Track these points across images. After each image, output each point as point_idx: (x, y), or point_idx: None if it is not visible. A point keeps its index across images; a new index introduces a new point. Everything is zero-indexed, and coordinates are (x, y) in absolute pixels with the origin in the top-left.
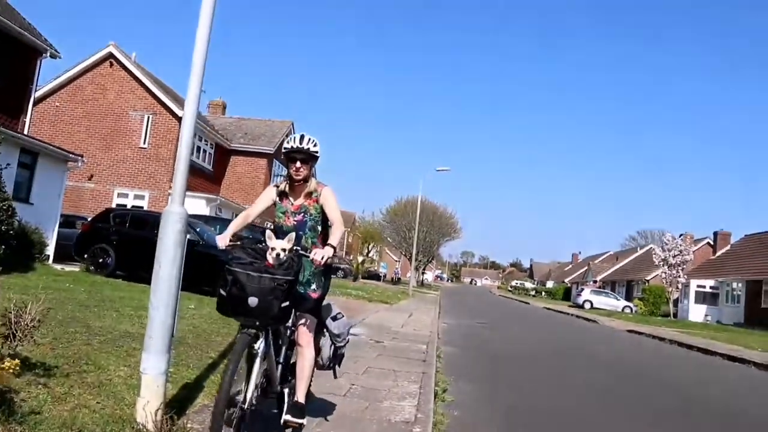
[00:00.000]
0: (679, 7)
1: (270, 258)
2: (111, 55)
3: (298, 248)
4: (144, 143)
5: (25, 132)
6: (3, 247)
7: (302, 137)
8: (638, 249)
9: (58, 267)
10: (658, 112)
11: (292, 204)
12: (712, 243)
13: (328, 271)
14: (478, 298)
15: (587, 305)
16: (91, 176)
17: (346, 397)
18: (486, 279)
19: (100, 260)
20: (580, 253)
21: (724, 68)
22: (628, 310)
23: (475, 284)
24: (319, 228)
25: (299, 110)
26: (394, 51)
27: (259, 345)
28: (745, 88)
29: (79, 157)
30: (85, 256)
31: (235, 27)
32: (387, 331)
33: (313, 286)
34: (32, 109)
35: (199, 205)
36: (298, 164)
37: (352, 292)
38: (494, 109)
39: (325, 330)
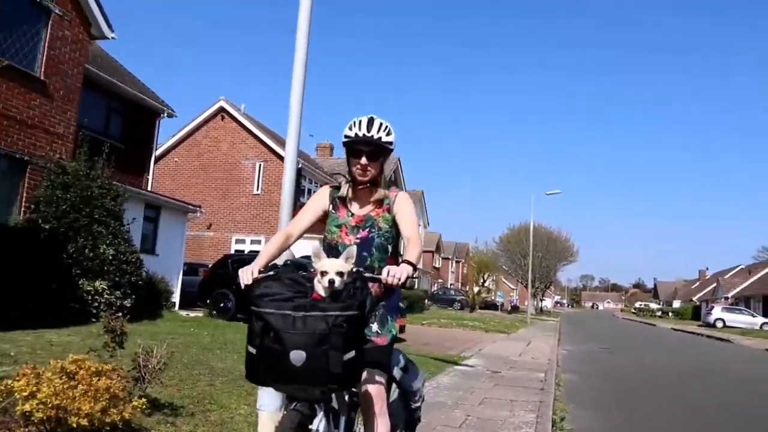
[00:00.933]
0: None
1: (320, 287)
2: (222, 109)
3: (361, 269)
4: (257, 190)
5: (149, 188)
6: (133, 297)
7: (371, 122)
8: None
9: (184, 313)
10: None
11: (353, 215)
12: None
13: (395, 301)
14: (600, 322)
15: (719, 324)
16: (210, 225)
17: (461, 428)
18: (608, 302)
19: (221, 305)
20: (707, 269)
21: None
22: (767, 327)
23: (597, 308)
24: (390, 247)
25: (403, 143)
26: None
27: (317, 426)
28: None
29: (198, 208)
30: (207, 301)
31: (332, 69)
32: (504, 361)
33: (376, 327)
34: (154, 166)
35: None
36: (364, 160)
37: (469, 324)
38: (604, 124)
39: (393, 386)
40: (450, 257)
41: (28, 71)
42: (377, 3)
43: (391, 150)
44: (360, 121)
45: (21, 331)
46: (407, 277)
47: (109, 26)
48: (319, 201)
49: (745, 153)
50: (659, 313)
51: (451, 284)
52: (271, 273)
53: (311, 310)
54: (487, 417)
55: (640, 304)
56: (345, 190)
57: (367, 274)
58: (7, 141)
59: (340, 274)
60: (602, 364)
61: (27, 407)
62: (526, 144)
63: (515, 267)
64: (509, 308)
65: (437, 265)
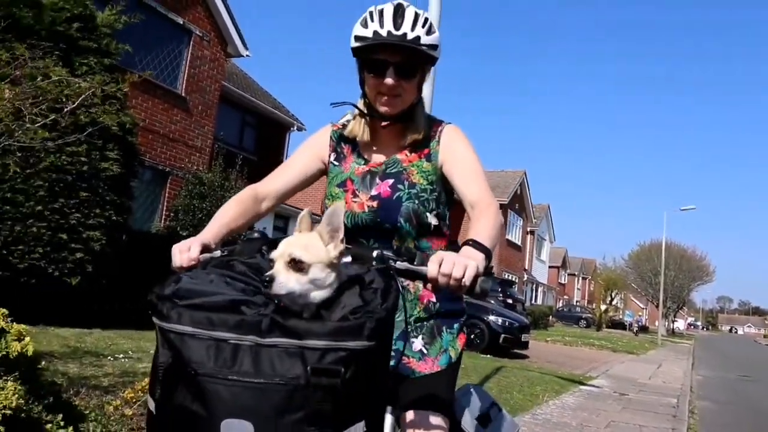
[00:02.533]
0: None
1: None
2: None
3: (387, 253)
4: None
5: None
6: None
7: (400, 11)
8: None
9: None
10: None
11: (365, 162)
12: None
13: (452, 306)
14: (740, 347)
15: None
16: None
17: None
18: (748, 326)
19: None
20: None
21: None
22: None
23: (735, 332)
24: (433, 219)
25: (531, 157)
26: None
27: None
28: None
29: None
30: None
31: (459, 79)
32: (632, 383)
33: (421, 345)
34: None
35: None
36: (392, 77)
37: (595, 342)
38: (743, 137)
39: None
40: (576, 273)
41: (171, 89)
42: None
43: (436, 60)
44: (382, 12)
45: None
46: (475, 276)
47: (245, 45)
48: (312, 149)
49: None
50: None
51: (576, 301)
52: (223, 253)
53: (273, 332)
54: None
55: None
56: (357, 128)
57: (399, 263)
58: (152, 154)
59: (298, 265)
60: (743, 393)
61: None
62: (660, 157)
63: (645, 285)
64: (635, 329)
65: (563, 281)
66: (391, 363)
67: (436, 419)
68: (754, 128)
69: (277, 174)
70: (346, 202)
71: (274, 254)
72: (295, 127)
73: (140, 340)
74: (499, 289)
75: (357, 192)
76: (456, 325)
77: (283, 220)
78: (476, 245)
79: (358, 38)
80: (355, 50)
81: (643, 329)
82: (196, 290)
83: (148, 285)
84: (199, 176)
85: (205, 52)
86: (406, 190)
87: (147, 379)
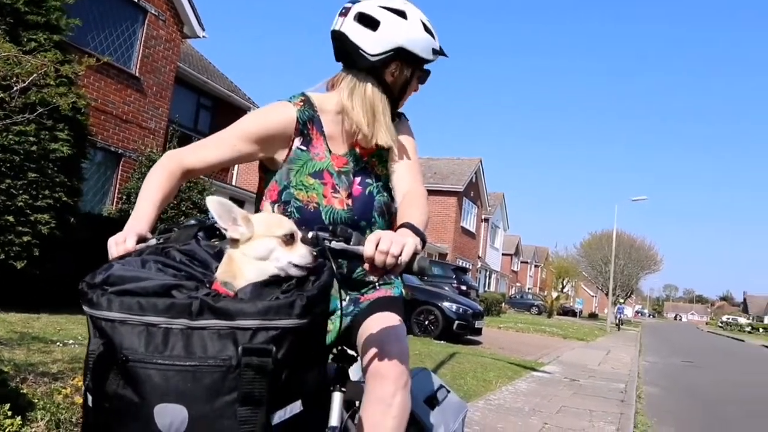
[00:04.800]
0: None
1: (230, 271)
2: None
3: (322, 234)
4: None
5: (233, 183)
6: None
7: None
8: None
9: None
10: None
11: (334, 156)
12: None
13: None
14: (684, 334)
15: None
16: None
17: None
18: (692, 314)
19: None
20: None
21: None
22: None
23: (680, 320)
24: (393, 210)
25: (487, 146)
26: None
27: None
28: None
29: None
30: None
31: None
32: (583, 369)
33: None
34: None
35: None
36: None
37: (547, 329)
38: (697, 128)
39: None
40: (529, 261)
41: (125, 69)
42: None
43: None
44: (430, 27)
45: None
46: (414, 254)
47: (201, 26)
48: (269, 127)
49: None
50: (748, 329)
51: (529, 288)
52: (159, 241)
53: (203, 315)
54: (565, 426)
55: (728, 318)
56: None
57: (335, 243)
58: (104, 135)
59: (288, 237)
60: (687, 379)
61: None
62: (612, 149)
63: (596, 274)
64: (618, 321)
65: (516, 269)
66: (337, 325)
67: (392, 315)
68: (705, 119)
69: (211, 146)
70: (325, 196)
71: (294, 229)
72: (251, 111)
73: None
74: (454, 276)
75: (337, 187)
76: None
77: (238, 203)
78: (412, 228)
79: (435, 51)
80: (416, 56)
81: (593, 316)
82: (126, 276)
83: (97, 266)
84: (152, 159)
85: (161, 32)
86: (375, 184)
87: None
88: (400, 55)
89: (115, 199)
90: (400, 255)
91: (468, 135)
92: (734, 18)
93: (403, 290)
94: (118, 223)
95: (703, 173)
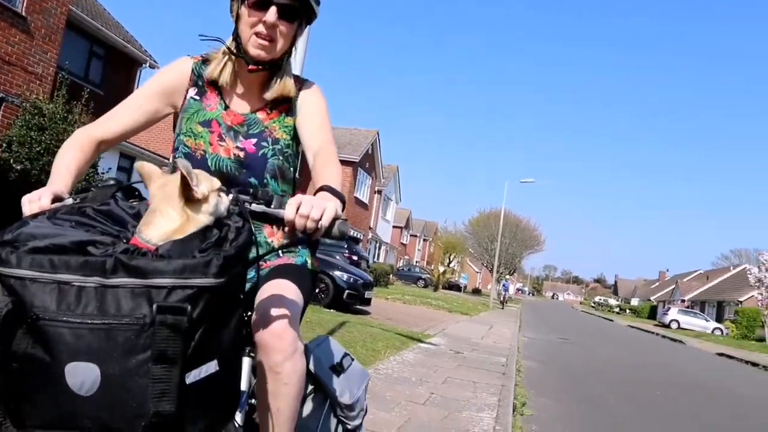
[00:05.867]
0: None
1: (154, 230)
2: None
3: (243, 196)
4: None
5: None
6: None
7: None
8: (731, 268)
9: None
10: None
11: (227, 108)
12: None
13: (312, 248)
14: (560, 312)
15: (674, 325)
16: None
17: (425, 405)
18: (568, 294)
19: None
20: (667, 270)
21: None
22: (718, 332)
23: (557, 298)
24: (293, 172)
25: (384, 117)
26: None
27: None
28: None
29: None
30: None
31: (323, 34)
32: (467, 342)
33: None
34: None
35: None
36: (274, 15)
37: (433, 302)
38: (583, 116)
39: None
40: (418, 235)
41: (10, 6)
42: None
43: (315, 17)
44: None
45: None
46: (334, 218)
47: None
48: (167, 84)
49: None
50: (617, 310)
51: (416, 262)
52: (75, 201)
53: (117, 272)
54: (450, 396)
55: (600, 299)
56: (217, 70)
57: (254, 206)
58: None
59: (205, 194)
60: (561, 354)
61: None
62: (506, 131)
63: (482, 251)
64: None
65: (405, 242)
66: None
67: (287, 283)
68: (600, 107)
69: (119, 113)
70: (211, 144)
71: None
72: (148, 64)
73: None
74: (345, 246)
75: (223, 136)
76: (308, 249)
77: (128, 160)
78: (332, 191)
79: None
80: None
81: (477, 291)
82: (39, 233)
83: None
84: (38, 106)
85: None
86: (270, 147)
87: None
88: None
89: None
90: (321, 219)
91: (366, 105)
92: None
93: (310, 260)
94: None
95: (592, 158)
